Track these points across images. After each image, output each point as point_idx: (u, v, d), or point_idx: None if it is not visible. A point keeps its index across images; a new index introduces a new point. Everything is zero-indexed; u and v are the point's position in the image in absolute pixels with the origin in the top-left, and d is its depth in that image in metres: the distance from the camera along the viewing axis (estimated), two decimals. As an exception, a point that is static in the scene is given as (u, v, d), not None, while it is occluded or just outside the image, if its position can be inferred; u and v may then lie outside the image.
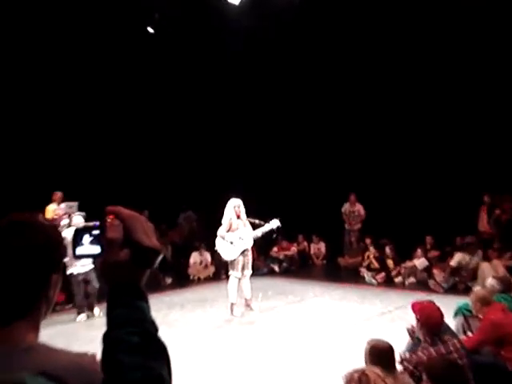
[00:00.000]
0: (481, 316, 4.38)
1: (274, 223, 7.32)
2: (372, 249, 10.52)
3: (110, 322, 1.02)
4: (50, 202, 8.53)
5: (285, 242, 11.94)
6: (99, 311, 7.41)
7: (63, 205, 8.16)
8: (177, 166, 12.51)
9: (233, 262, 7.22)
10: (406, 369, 3.53)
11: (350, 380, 2.09)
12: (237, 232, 7.21)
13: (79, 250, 1.10)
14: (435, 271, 9.08)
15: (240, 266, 7.20)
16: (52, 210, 8.35)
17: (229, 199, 7.28)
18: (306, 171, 12.70)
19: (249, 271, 7.34)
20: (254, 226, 7.39)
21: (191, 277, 10.71)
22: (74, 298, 7.42)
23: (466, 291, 6.79)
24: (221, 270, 10.44)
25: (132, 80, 10.70)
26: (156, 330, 1.04)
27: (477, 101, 9.81)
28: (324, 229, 12.01)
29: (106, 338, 1.01)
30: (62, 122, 10.04)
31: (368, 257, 10.47)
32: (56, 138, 9.88)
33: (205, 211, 11.81)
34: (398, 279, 9.70)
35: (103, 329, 1.01)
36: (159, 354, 1.01)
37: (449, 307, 4.79)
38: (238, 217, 7.25)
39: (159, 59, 10.72)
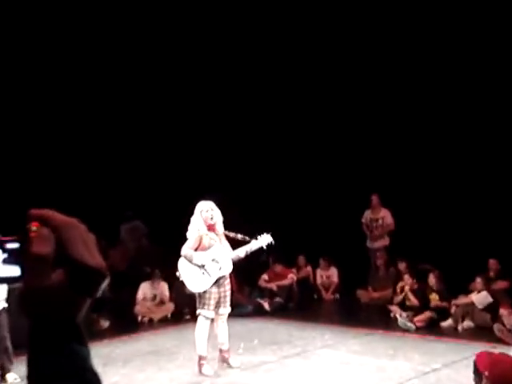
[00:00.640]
0: None
1: (264, 239, 7.35)
2: (408, 277, 10.56)
3: (34, 376, 1.07)
4: None
5: (279, 267, 11.99)
6: (14, 378, 7.23)
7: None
8: (121, 158, 12.83)
9: (203, 295, 7.19)
10: None
11: None
12: (210, 251, 7.21)
13: None
14: (503, 311, 9.09)
15: (213, 302, 7.18)
16: None
17: (196, 203, 7.33)
18: (309, 168, 12.99)
19: (226, 309, 7.33)
20: (235, 243, 7.41)
21: (139, 318, 10.75)
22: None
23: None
24: (184, 307, 10.46)
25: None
26: (99, 383, 1.11)
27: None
28: (336, 248, 12.12)
29: None
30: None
31: (402, 289, 10.50)
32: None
33: (160, 221, 11.84)
34: (447, 323, 9.72)
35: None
36: None
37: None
38: (211, 228, 7.24)
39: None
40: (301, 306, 11.62)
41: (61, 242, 1.09)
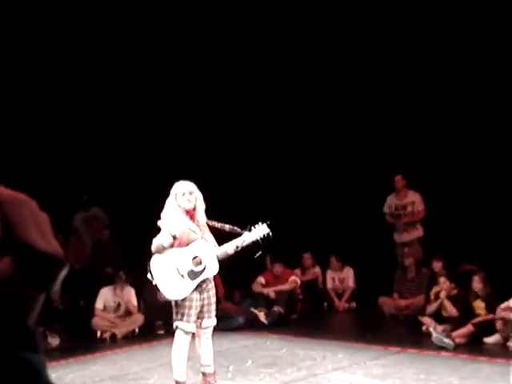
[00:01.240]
0: None
1: (260, 231, 7.31)
2: (444, 281, 10.58)
3: None
4: None
5: (279, 268, 12.06)
6: None
7: None
8: (75, 129, 13.27)
9: (181, 303, 7.16)
10: None
11: None
12: (190, 247, 7.18)
13: None
14: None
15: (194, 312, 7.15)
16: None
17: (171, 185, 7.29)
18: (315, 145, 13.38)
19: (211, 321, 7.31)
20: (222, 237, 7.38)
21: (98, 334, 10.81)
22: None
23: None
24: (156, 319, 10.58)
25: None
26: None
27: None
28: (351, 243, 12.30)
29: None
30: None
31: (437, 296, 10.52)
32: None
33: (126, 209, 11.87)
34: (494, 338, 9.71)
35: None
36: None
37: None
38: (191, 216, 7.22)
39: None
40: (307, 318, 11.74)
41: (7, 223, 1.13)
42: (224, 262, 7.38)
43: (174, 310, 7.21)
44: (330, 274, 12.67)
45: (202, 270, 7.17)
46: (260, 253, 7.60)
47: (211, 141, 14.00)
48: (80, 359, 9.58)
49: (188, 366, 7.26)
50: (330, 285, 12.63)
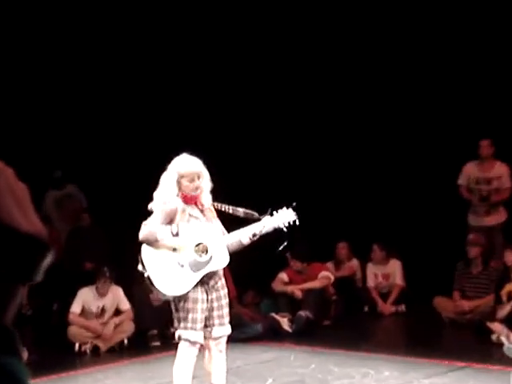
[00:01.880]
0: None
1: (284, 216, 7.33)
2: (520, 277, 10.66)
3: None
4: None
5: (297, 263, 12.05)
6: None
7: None
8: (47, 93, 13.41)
9: (183, 306, 7.16)
10: None
11: None
12: (192, 232, 7.14)
13: None
14: None
15: (201, 317, 7.16)
16: None
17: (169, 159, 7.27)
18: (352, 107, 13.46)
19: (223, 329, 7.32)
20: (233, 223, 7.40)
21: (77, 346, 10.83)
22: None
23: None
24: (150, 326, 10.60)
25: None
26: None
27: None
28: (398, 229, 12.38)
29: None
30: None
31: (510, 296, 10.61)
32: None
33: (109, 189, 11.91)
34: None
35: None
36: None
37: None
38: (194, 200, 7.21)
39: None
40: (342, 324, 11.77)
41: None
42: (234, 255, 7.32)
43: (175, 316, 7.19)
44: (371, 269, 12.64)
45: (208, 261, 7.11)
46: (285, 244, 7.58)
47: (219, 104, 14.03)
48: (52, 378, 9.52)
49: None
50: (371, 282, 12.59)
